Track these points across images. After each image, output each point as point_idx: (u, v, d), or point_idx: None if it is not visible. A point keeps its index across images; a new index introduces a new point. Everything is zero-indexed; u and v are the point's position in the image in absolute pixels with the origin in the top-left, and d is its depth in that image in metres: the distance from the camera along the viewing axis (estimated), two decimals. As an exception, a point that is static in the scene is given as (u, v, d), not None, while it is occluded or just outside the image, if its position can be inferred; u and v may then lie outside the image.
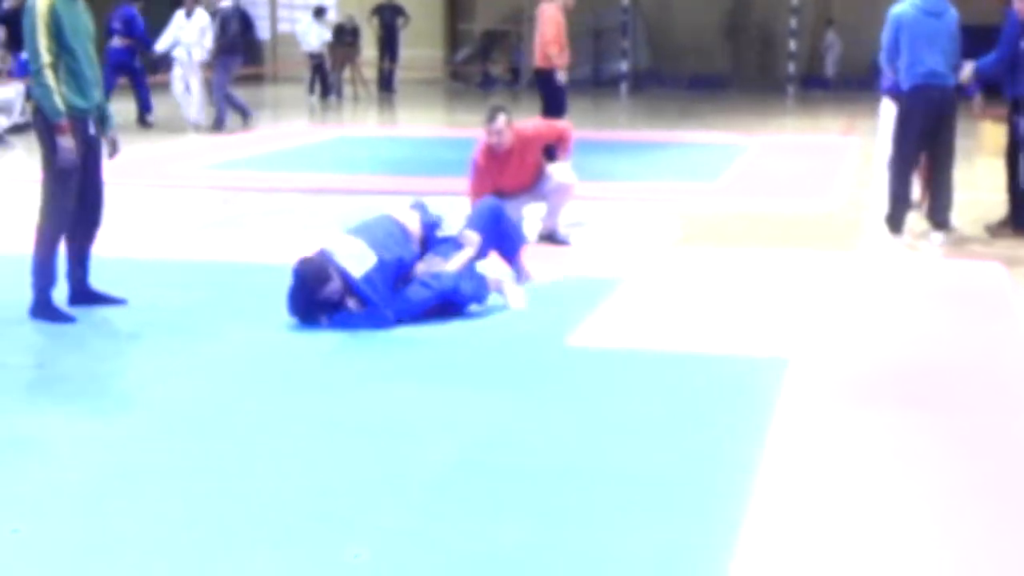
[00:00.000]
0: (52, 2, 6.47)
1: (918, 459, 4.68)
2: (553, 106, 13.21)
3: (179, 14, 17.30)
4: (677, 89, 26.10)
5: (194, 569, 3.71)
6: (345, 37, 24.50)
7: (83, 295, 6.90)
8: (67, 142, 6.48)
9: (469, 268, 6.91)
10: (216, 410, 5.23)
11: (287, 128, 18.01)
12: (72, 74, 6.56)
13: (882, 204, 9.58)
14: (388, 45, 25.63)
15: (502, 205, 7.52)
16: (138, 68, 17.88)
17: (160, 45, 17.46)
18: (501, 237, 7.33)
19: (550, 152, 9.03)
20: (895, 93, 9.64)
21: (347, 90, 24.44)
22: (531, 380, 5.69)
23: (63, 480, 4.42)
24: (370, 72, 25.52)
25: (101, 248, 6.90)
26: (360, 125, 19.92)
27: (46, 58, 6.45)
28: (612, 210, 10.40)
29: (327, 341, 6.24)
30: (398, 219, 6.95)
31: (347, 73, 24.63)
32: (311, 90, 23.69)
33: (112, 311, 6.83)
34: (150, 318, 6.71)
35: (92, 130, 6.75)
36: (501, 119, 8.54)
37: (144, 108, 17.91)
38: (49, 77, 6.45)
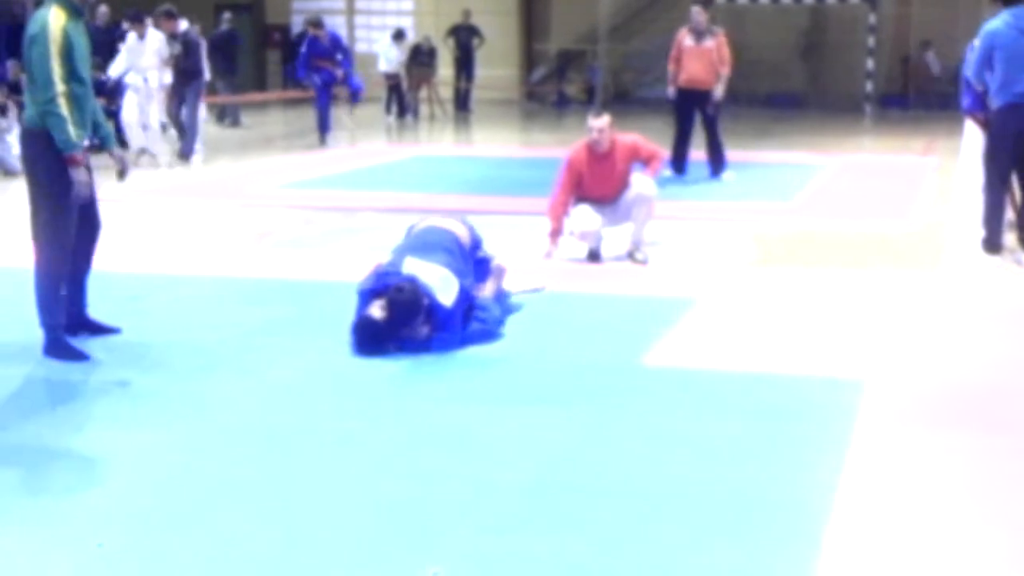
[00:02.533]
0: (64, 25, 6.13)
1: (997, 483, 4.62)
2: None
3: (131, 36, 15.71)
4: (753, 108, 25.95)
5: (274, 585, 3.75)
6: (421, 58, 24.65)
7: (80, 325, 6.63)
8: (82, 175, 6.17)
9: (499, 294, 7.02)
10: (293, 429, 5.27)
11: (364, 147, 18.14)
12: (76, 102, 6.20)
13: (964, 224, 9.47)
14: (464, 65, 25.77)
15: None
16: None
17: (113, 71, 16.07)
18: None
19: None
20: (974, 113, 9.53)
21: (423, 109, 24.58)
22: (607, 400, 5.69)
23: (147, 495, 4.49)
24: (446, 92, 25.66)
25: (180, 266, 6.98)
26: (436, 144, 20.03)
27: (60, 87, 6.08)
28: (688, 230, 10.38)
29: (399, 361, 6.27)
30: (451, 230, 6.94)
31: (424, 93, 24.78)
32: (388, 110, 23.85)
33: (193, 329, 6.91)
34: (229, 336, 6.79)
35: (88, 160, 6.34)
36: (606, 117, 8.94)
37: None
38: (63, 107, 6.09)
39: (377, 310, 6.35)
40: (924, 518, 4.29)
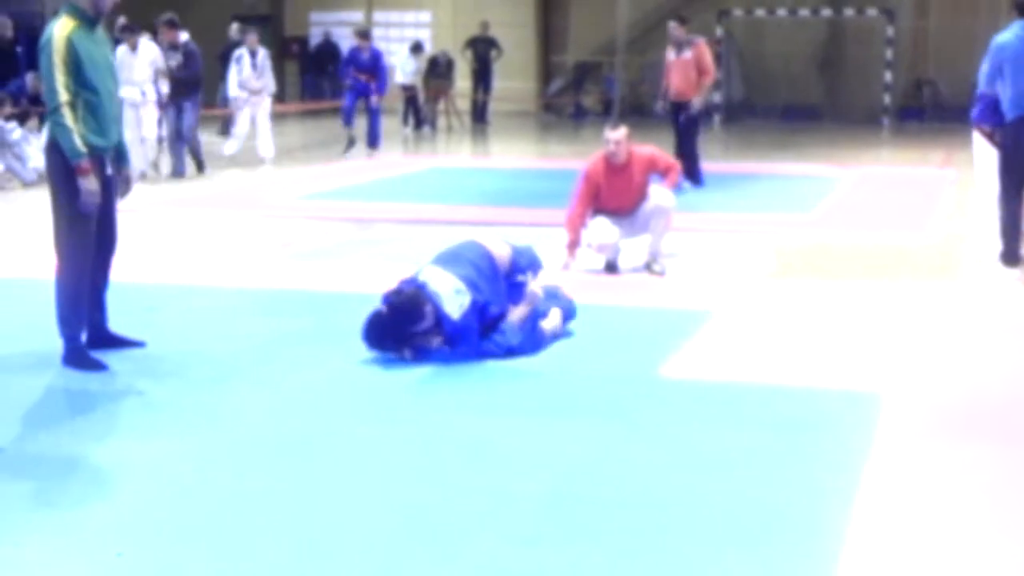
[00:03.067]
0: (68, 35, 6.15)
1: (1016, 495, 4.60)
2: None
3: (121, 49, 14.77)
4: (770, 120, 25.92)
5: (291, 595, 3.75)
6: (439, 69, 24.70)
7: (102, 339, 6.61)
8: (90, 184, 6.17)
9: (529, 319, 6.72)
10: (309, 439, 5.28)
11: (381, 159, 18.17)
12: (91, 111, 6.22)
13: (980, 236, 9.43)
14: (482, 77, 25.80)
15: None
16: None
17: (232, 91, 17.53)
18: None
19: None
20: (980, 125, 9.46)
21: (441, 121, 24.62)
22: (625, 411, 5.68)
23: (164, 505, 4.50)
24: (464, 104, 25.69)
25: (196, 277, 6.98)
26: (453, 156, 20.05)
27: (64, 96, 6.12)
28: (705, 241, 10.37)
29: (418, 372, 6.28)
30: (487, 248, 6.82)
31: (441, 105, 24.82)
32: (405, 121, 23.89)
33: (209, 340, 6.93)
34: (246, 346, 6.80)
35: (109, 169, 6.42)
36: (623, 129, 8.99)
37: None
38: (67, 116, 6.12)
39: (384, 307, 6.44)
40: (942, 531, 4.28)
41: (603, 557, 4.02)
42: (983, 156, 9.67)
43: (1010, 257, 9.02)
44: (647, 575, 3.89)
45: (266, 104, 17.66)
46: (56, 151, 6.23)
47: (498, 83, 26.36)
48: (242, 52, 17.56)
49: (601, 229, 8.87)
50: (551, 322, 6.81)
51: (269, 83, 17.72)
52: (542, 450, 5.11)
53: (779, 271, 9.17)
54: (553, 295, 7.10)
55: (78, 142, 6.14)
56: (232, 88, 17.74)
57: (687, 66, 14.26)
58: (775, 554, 4.06)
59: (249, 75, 17.45)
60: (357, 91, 18.74)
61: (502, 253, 6.84)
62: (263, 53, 17.67)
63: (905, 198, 13.44)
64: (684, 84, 14.31)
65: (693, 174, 14.00)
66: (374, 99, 18.47)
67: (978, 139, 9.88)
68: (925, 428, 5.44)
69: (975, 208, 9.90)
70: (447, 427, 5.44)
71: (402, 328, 6.38)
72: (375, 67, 18.64)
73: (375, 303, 6.57)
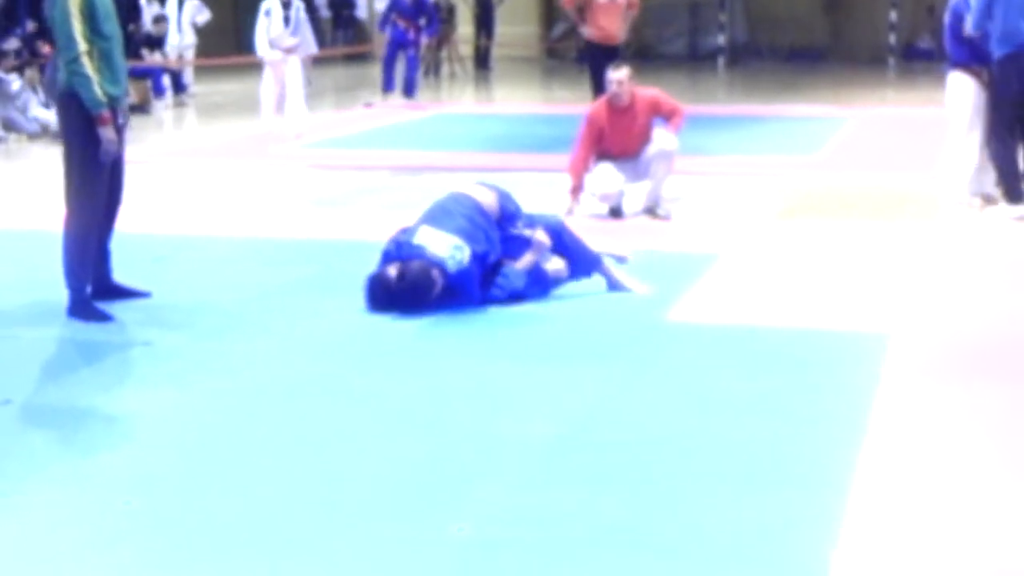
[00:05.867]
0: None
1: (1022, 433, 4.61)
2: None
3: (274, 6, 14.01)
4: (775, 62, 25.76)
5: (299, 541, 3.76)
6: (440, 16, 24.56)
7: (107, 290, 6.59)
8: (109, 133, 6.14)
9: (535, 267, 6.67)
10: (316, 387, 5.28)
11: (384, 106, 18.09)
12: (107, 60, 6.17)
13: (951, 181, 9.30)
14: (484, 23, 25.66)
15: (564, 224, 7.09)
16: None
17: (260, 50, 14.28)
18: (567, 254, 6.93)
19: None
20: (970, 65, 9.19)
21: (444, 68, 24.50)
22: (631, 355, 5.68)
23: (172, 454, 4.51)
24: (466, 50, 25.55)
25: (202, 227, 6.96)
26: (457, 103, 19.97)
27: (83, 46, 6.05)
28: (711, 184, 10.33)
29: (420, 319, 6.23)
30: (474, 197, 6.72)
31: (443, 51, 24.68)
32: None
33: (215, 290, 6.92)
34: (251, 295, 6.79)
35: (121, 119, 6.41)
36: (625, 69, 8.96)
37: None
38: (87, 66, 6.06)
39: (394, 270, 6.35)
40: (949, 469, 4.28)
41: (611, 500, 4.02)
42: (960, 100, 9.36)
43: (1013, 194, 8.94)
44: (657, 517, 3.90)
45: (296, 67, 14.23)
46: (72, 101, 6.17)
47: (500, 28, 26.21)
48: (271, 2, 14.24)
49: (604, 178, 8.82)
50: (553, 265, 6.78)
51: (307, 41, 14.58)
52: (549, 395, 5.11)
53: (785, 213, 9.14)
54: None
55: (98, 92, 6.09)
56: (261, 46, 14.25)
57: (618, 9, 13.28)
58: (783, 494, 4.06)
59: (281, 31, 14.14)
60: (397, 42, 17.67)
61: (488, 200, 6.75)
62: (298, 4, 14.40)
63: (911, 139, 13.38)
64: (615, 27, 13.34)
65: None
66: (424, 41, 17.71)
67: (954, 83, 9.39)
68: (932, 368, 5.43)
69: (948, 154, 9.61)
70: (453, 373, 5.43)
71: (421, 300, 6.30)
72: (420, 14, 17.73)
73: (379, 252, 6.54)
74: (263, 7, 14.24)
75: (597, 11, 13.32)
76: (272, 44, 14.06)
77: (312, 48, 14.86)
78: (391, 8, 18.04)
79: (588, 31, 13.43)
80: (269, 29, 14.07)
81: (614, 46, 13.29)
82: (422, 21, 17.93)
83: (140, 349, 5.90)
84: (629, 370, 5.45)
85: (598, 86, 13.24)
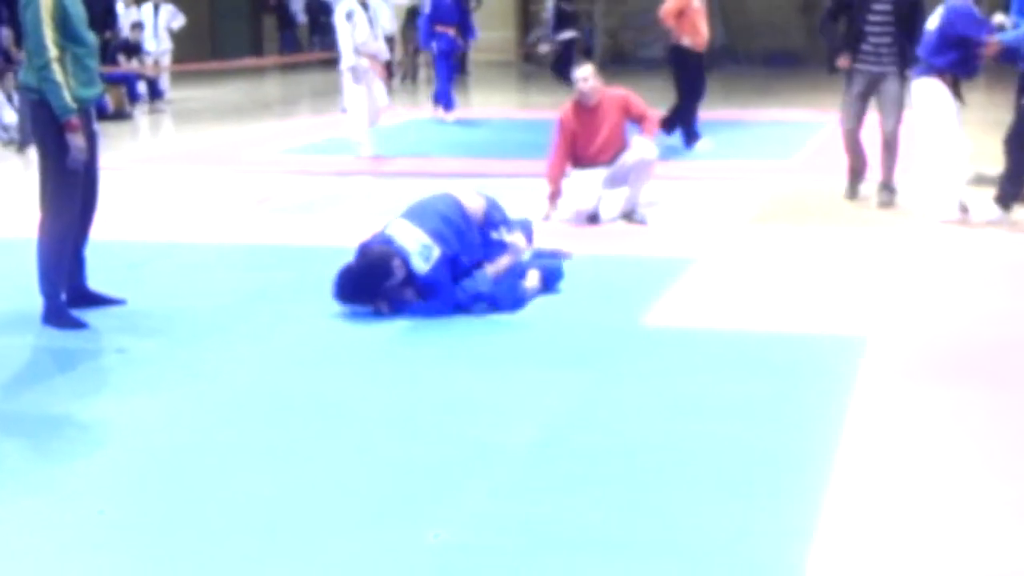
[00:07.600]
0: None
1: (1000, 437, 4.61)
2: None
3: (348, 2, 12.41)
4: (752, 66, 25.83)
5: (276, 548, 3.74)
6: (417, 20, 24.52)
7: (81, 297, 6.55)
8: (78, 140, 6.12)
9: (509, 274, 6.64)
10: (292, 393, 5.26)
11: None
12: (81, 65, 6.16)
13: (923, 191, 9.24)
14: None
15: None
16: None
17: (347, 59, 12.32)
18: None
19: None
20: (944, 72, 8.96)
21: (421, 73, 24.46)
22: (608, 360, 5.67)
23: (146, 462, 4.49)
24: (443, 55, 25.49)
25: (178, 233, 6.95)
26: (433, 107, 19.89)
27: (53, 51, 6.02)
28: (687, 189, 10.33)
29: (399, 324, 6.25)
30: (459, 199, 6.72)
31: (420, 56, 24.64)
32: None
33: (190, 296, 6.89)
34: (227, 302, 6.77)
35: (94, 123, 6.43)
36: (588, 66, 9.05)
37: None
38: (57, 72, 6.03)
39: (353, 263, 6.41)
40: (925, 472, 4.28)
41: (589, 506, 4.01)
42: (939, 107, 9.16)
43: (1007, 201, 8.74)
44: (634, 521, 3.89)
45: (379, 74, 12.88)
46: (44, 107, 6.15)
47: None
48: (353, 5, 12.32)
49: (581, 192, 8.80)
50: (529, 282, 6.75)
51: (382, 43, 12.98)
52: (526, 401, 5.09)
53: (761, 218, 9.15)
54: (539, 255, 7.07)
55: (68, 98, 6.07)
56: (347, 55, 12.32)
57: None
58: (761, 498, 4.06)
59: (368, 35, 12.38)
60: (448, 53, 16.45)
61: (475, 204, 6.75)
62: (378, 2, 12.80)
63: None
64: (707, 31, 12.96)
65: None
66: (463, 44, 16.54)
67: (928, 89, 9.11)
68: (910, 370, 5.44)
69: (918, 162, 9.46)
70: (430, 379, 5.42)
71: (373, 284, 6.34)
72: (461, 13, 16.55)
73: (353, 256, 6.53)
74: (340, 10, 12.42)
75: (696, 17, 12.77)
76: (357, 50, 12.28)
77: (386, 52, 13.53)
78: (432, 19, 16.59)
79: (688, 40, 12.69)
80: (354, 34, 12.25)
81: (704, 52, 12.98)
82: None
83: (115, 356, 5.87)
84: (606, 375, 5.44)
85: (698, 95, 13.00)
